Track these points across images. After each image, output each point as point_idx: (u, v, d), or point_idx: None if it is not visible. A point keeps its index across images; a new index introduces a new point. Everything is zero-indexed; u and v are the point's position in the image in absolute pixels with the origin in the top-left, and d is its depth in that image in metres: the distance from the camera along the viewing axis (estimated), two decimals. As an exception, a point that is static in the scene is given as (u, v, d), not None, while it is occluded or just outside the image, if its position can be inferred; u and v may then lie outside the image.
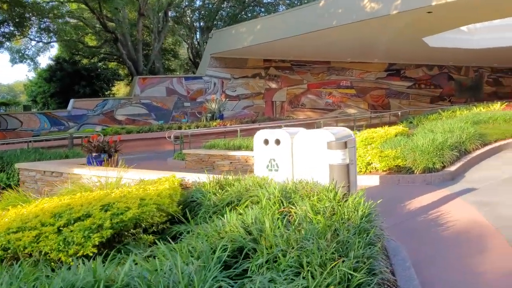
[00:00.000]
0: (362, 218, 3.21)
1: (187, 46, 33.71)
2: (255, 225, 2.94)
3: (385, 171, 7.21)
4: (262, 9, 32.88)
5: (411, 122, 14.85)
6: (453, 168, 7.06)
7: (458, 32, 20.84)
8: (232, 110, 22.42)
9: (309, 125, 18.20)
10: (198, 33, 32.41)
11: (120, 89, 36.81)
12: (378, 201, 3.75)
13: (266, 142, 4.98)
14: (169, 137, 13.65)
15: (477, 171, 7.34)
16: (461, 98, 27.49)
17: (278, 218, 3.14)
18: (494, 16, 14.15)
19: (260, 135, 5.05)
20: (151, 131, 17.64)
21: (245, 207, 3.57)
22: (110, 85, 26.04)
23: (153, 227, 3.52)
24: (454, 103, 26.84)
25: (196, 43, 32.56)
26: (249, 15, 31.97)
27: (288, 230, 2.90)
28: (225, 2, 31.49)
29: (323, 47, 20.10)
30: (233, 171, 9.66)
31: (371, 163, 7.36)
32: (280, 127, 15.12)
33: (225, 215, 3.16)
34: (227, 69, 22.44)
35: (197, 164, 10.47)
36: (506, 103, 16.75)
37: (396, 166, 7.15)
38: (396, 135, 8.80)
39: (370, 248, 2.73)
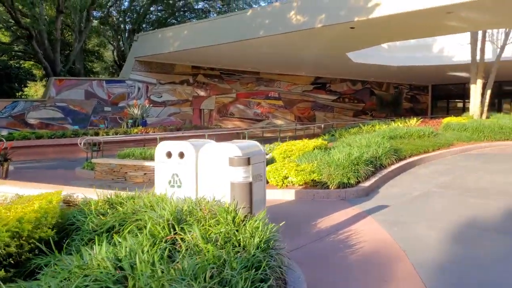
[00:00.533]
0: (258, 247, 2.85)
1: (113, 48, 32.18)
2: (128, 258, 2.46)
3: (302, 185, 7.02)
4: (193, 15, 32.31)
5: (333, 135, 15.09)
6: (367, 183, 7.04)
7: (380, 49, 21.81)
8: (157, 117, 21.56)
9: (234, 135, 17.96)
10: (125, 35, 31.05)
11: (38, 90, 34.18)
12: (281, 224, 3.43)
13: (169, 155, 4.51)
14: (82, 143, 12.61)
15: (391, 187, 7.39)
16: (382, 113, 28.84)
17: (161, 248, 2.70)
18: (410, 36, 14.86)
19: (162, 147, 4.57)
20: (64, 137, 16.30)
21: (128, 233, 3.08)
22: (23, 85, 23.93)
23: (12, 258, 2.90)
24: (375, 117, 28.06)
25: (122, 45, 31.17)
26: (179, 20, 31.25)
27: (170, 264, 2.46)
28: (154, 6, 30.50)
29: (252, 57, 20.02)
30: (147, 183, 9.05)
31: (288, 177, 7.13)
32: (204, 136, 14.71)
33: (94, 246, 2.64)
34: (153, 74, 21.58)
35: (108, 175, 9.68)
36: (421, 119, 17.66)
37: (312, 180, 6.98)
38: (314, 149, 8.70)
39: (260, 286, 2.36)
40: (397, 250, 4.10)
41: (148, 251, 2.61)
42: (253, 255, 2.70)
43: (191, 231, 2.97)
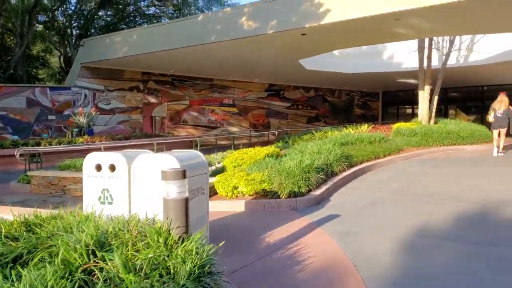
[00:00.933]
0: (190, 274, 2.48)
1: (59, 54, 30.69)
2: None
3: (252, 195, 6.71)
4: (144, 20, 31.46)
5: (286, 142, 14.94)
6: (318, 192, 6.83)
7: (332, 57, 22.06)
8: (105, 125, 20.63)
9: (187, 143, 17.43)
10: (72, 40, 29.71)
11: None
12: (221, 244, 3.08)
13: (99, 167, 4.06)
14: (18, 155, 11.70)
15: (342, 194, 7.23)
16: (334, 119, 29.22)
17: (73, 281, 2.28)
18: (361, 43, 15.04)
19: (90, 159, 4.11)
20: (2, 148, 15.17)
21: (39, 262, 2.63)
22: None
23: None
24: (328, 123, 28.40)
25: (69, 51, 29.78)
26: (129, 25, 30.30)
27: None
28: (102, 10, 29.42)
29: (205, 63, 19.62)
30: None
31: (238, 187, 6.81)
32: (152, 145, 14.11)
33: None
34: (101, 80, 20.66)
35: (46, 188, 8.95)
36: (372, 125, 17.91)
37: (263, 190, 6.70)
38: (266, 156, 8.44)
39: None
40: (348, 265, 3.86)
41: (54, 286, 2.19)
42: (183, 286, 2.33)
43: (112, 259, 2.56)
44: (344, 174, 8.38)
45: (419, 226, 5.06)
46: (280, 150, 10.37)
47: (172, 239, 2.94)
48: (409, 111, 32.26)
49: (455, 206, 5.98)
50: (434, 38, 20.22)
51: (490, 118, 12.08)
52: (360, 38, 13.96)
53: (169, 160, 3.76)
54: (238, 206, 6.47)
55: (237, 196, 6.80)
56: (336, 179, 7.86)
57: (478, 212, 5.66)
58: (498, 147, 11.88)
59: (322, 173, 7.52)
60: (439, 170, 9.43)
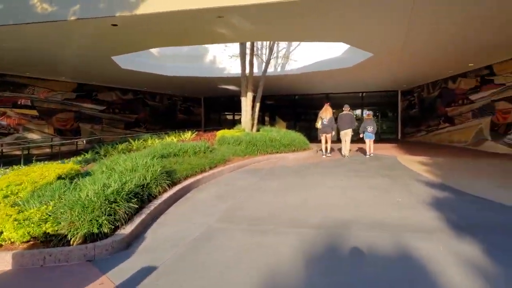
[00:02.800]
0: None
1: None
2: None
3: (26, 243, 4.51)
4: None
5: (97, 153, 12.55)
6: (129, 228, 5.02)
7: (151, 57, 20.22)
8: None
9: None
10: None
11: None
12: None
13: None
14: None
15: (162, 226, 5.57)
16: (156, 125, 27.32)
17: None
18: (180, 42, 13.62)
19: None
20: None
21: None
22: None
23: None
24: (149, 129, 26.38)
25: None
26: None
27: None
28: None
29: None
30: None
31: (2, 231, 4.52)
32: None
33: None
34: None
35: None
36: (195, 133, 16.74)
37: (44, 234, 4.56)
38: (58, 178, 6.21)
39: None
40: None
41: None
42: None
43: None
44: (165, 196, 6.73)
45: (265, 274, 3.77)
46: (83, 166, 8.14)
47: None
48: (231, 117, 32.53)
49: (296, 235, 4.94)
50: (256, 44, 20.29)
51: (318, 125, 13.45)
52: (180, 36, 12.53)
53: None
54: (0, 263, 4.21)
55: (1, 245, 4.50)
56: (154, 204, 6.15)
57: (327, 242, 4.71)
58: (327, 150, 13.66)
59: (136, 199, 5.73)
60: (270, 184, 8.59)
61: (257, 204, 6.71)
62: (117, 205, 5.08)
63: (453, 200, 6.70)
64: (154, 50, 20.55)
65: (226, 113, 32.95)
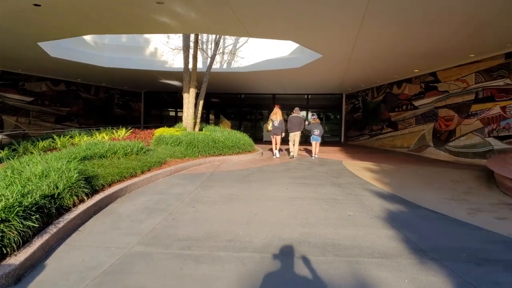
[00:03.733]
0: None
1: None
2: None
3: None
4: None
5: (14, 150, 11.00)
6: (24, 255, 3.92)
7: (86, 46, 18.54)
8: None
9: None
10: None
11: None
12: None
13: None
14: None
15: (71, 250, 4.49)
16: (90, 119, 25.38)
17: None
18: (116, 29, 12.28)
19: None
20: None
21: None
22: None
23: None
24: (82, 124, 24.46)
25: None
26: None
27: None
28: None
29: None
30: None
31: None
32: None
33: None
34: None
35: None
36: (131, 130, 15.43)
37: None
38: None
39: None
40: None
41: None
42: None
43: None
44: (82, 208, 5.62)
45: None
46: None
47: None
48: (173, 114, 31.12)
49: (237, 261, 4.10)
50: (201, 39, 19.23)
51: (269, 127, 13.85)
52: (116, 24, 11.25)
53: None
54: None
55: None
56: (65, 220, 5.04)
57: (273, 271, 3.90)
58: (276, 150, 14.04)
59: (39, 214, 4.61)
60: (209, 193, 7.68)
61: (193, 219, 5.78)
62: (7, 225, 3.96)
63: (408, 214, 6.17)
64: (89, 39, 18.87)
65: (168, 109, 31.51)
